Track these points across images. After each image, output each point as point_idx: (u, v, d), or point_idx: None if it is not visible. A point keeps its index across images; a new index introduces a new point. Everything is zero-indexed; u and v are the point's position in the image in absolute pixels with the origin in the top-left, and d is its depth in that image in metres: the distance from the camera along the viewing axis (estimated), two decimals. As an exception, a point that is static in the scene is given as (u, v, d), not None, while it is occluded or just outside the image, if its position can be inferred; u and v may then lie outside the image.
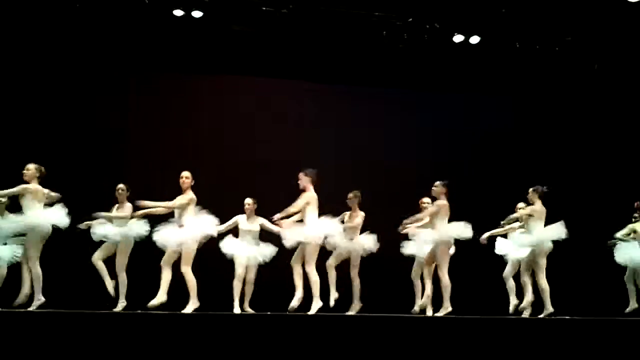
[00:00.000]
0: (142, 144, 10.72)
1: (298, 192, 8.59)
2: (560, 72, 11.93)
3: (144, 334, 7.15)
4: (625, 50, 11.64)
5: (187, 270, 8.22)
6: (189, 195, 8.35)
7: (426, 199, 9.07)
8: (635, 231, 9.14)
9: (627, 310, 9.25)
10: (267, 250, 8.78)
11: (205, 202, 8.51)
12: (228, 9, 10.53)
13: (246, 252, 8.72)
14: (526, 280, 8.84)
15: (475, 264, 10.00)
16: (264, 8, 10.55)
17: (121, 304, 8.36)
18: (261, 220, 8.82)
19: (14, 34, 10.22)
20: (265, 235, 8.92)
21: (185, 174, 8.43)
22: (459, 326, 7.96)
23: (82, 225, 8.51)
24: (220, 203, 8.93)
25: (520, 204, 9.24)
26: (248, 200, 8.84)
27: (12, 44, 10.23)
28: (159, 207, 8.42)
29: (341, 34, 11.06)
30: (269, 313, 8.17)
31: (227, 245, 8.75)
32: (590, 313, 9.26)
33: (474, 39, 11.19)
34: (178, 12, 10.37)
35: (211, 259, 8.75)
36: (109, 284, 8.45)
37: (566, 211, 9.20)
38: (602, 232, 9.65)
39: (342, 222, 8.83)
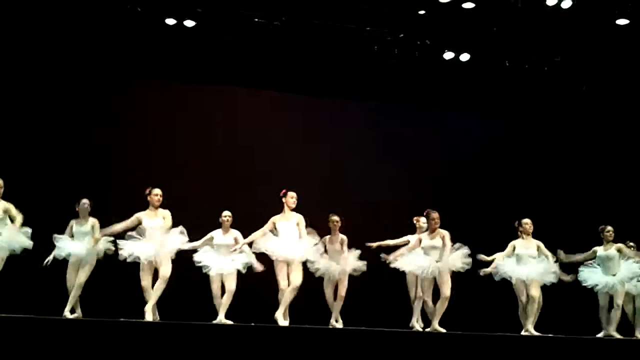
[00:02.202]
0: (131, 150, 10.69)
1: (281, 204, 8.52)
2: (549, 92, 12.02)
3: (123, 344, 7.10)
4: (614, 72, 11.75)
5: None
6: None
7: None
8: (595, 252, 9.18)
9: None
10: (240, 262, 8.61)
11: (189, 212, 8.55)
12: (220, 20, 10.55)
13: (218, 265, 8.60)
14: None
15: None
16: (257, 20, 10.59)
17: None
18: (236, 234, 8.71)
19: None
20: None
21: (159, 191, 8.29)
22: (454, 343, 7.97)
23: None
24: (204, 213, 8.93)
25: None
26: (226, 213, 8.78)
27: None
28: None
29: (333, 47, 11.10)
30: (253, 324, 8.14)
31: (200, 257, 8.63)
32: (573, 332, 9.29)
33: (464, 57, 11.28)
34: (170, 21, 10.38)
35: (188, 270, 8.66)
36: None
37: (549, 229, 9.26)
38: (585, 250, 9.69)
39: (324, 246, 8.75)
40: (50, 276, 8.52)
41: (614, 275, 9.04)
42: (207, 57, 10.95)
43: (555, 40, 11.20)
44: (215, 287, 8.66)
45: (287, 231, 8.28)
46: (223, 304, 8.59)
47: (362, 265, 8.92)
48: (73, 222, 8.51)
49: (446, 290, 8.50)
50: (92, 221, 8.46)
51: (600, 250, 9.14)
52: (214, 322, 8.47)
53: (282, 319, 8.15)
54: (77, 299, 8.37)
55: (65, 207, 8.61)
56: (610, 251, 9.09)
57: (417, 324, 8.76)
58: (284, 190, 8.43)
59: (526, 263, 8.82)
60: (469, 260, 8.66)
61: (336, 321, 8.92)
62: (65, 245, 8.35)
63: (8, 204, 8.01)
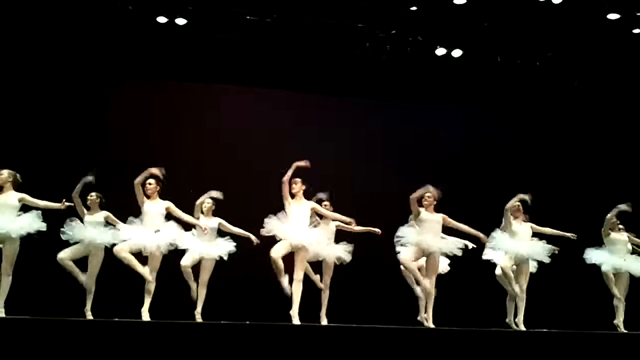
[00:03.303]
0: (122, 150, 10.65)
1: (276, 199, 8.54)
2: (541, 87, 12.05)
3: (108, 342, 7.08)
4: (606, 66, 11.79)
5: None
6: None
7: None
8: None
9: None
10: (224, 248, 8.68)
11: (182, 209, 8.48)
12: (212, 17, 10.53)
13: (203, 249, 8.61)
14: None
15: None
16: (248, 17, 10.57)
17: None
18: (219, 220, 8.78)
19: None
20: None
21: (153, 180, 8.36)
22: (450, 338, 7.99)
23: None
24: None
25: None
26: (209, 200, 8.80)
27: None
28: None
29: (325, 44, 11.10)
30: (247, 322, 8.14)
31: (185, 242, 8.59)
32: (571, 326, 9.32)
33: (456, 53, 11.29)
34: (162, 19, 10.34)
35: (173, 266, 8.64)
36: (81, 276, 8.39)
37: (543, 222, 9.28)
38: (578, 244, 9.70)
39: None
40: (49, 277, 8.52)
41: (624, 260, 9.15)
42: (198, 55, 10.93)
43: (547, 35, 11.23)
44: (187, 261, 8.59)
45: (299, 215, 8.28)
46: (199, 299, 8.63)
47: (345, 255, 8.84)
48: (85, 215, 8.50)
49: (433, 282, 8.49)
50: (105, 213, 8.49)
51: (611, 234, 9.25)
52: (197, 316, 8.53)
53: (297, 317, 8.15)
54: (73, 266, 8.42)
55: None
56: (620, 236, 9.23)
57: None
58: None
59: (520, 240, 8.84)
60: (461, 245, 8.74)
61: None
62: (80, 229, 8.34)
63: (22, 194, 8.06)
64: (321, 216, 8.77)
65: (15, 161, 8.65)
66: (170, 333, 7.35)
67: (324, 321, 8.79)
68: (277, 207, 8.41)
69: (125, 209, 8.38)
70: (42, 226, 8.02)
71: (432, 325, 8.47)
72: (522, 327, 8.77)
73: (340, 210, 8.93)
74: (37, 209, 8.08)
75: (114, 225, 8.38)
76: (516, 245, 8.81)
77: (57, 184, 9.73)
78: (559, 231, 9.05)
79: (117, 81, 10.82)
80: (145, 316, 8.08)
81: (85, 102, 10.65)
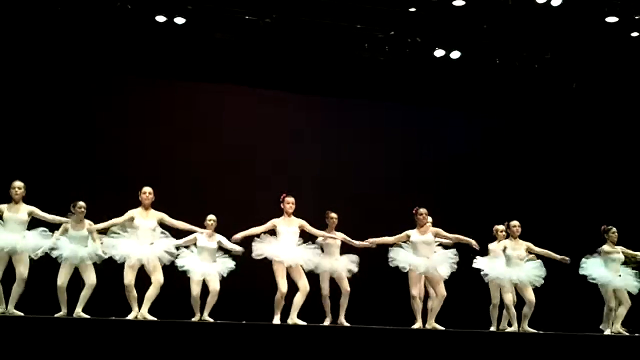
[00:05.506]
0: (119, 149, 10.64)
1: (273, 203, 8.56)
2: (539, 89, 12.06)
3: (107, 342, 7.08)
4: (604, 69, 11.80)
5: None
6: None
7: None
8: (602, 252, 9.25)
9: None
10: (223, 266, 8.72)
11: (179, 214, 8.48)
12: (211, 17, 10.54)
13: (201, 269, 8.64)
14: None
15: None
16: (247, 17, 10.58)
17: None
18: (219, 237, 8.76)
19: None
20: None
21: (148, 189, 8.31)
22: (448, 340, 8.00)
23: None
24: (194, 214, 8.86)
25: (500, 227, 9.32)
26: (211, 217, 8.78)
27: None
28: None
29: (323, 45, 11.11)
30: (244, 322, 8.14)
31: (183, 260, 8.64)
32: (564, 328, 9.34)
33: (455, 54, 11.30)
34: (160, 18, 10.35)
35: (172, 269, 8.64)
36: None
37: (541, 227, 9.29)
38: (575, 249, 9.70)
39: (320, 246, 8.71)
40: (41, 275, 8.49)
41: (619, 275, 9.12)
42: (197, 54, 10.93)
43: (545, 38, 11.25)
44: (196, 291, 8.67)
45: (288, 235, 8.32)
46: (208, 303, 8.65)
47: (353, 266, 8.87)
48: (68, 226, 8.34)
49: (441, 289, 8.55)
50: (88, 226, 8.33)
51: (606, 248, 9.19)
52: (193, 319, 8.51)
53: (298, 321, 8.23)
54: (65, 298, 8.30)
55: (59, 206, 8.57)
56: (617, 255, 9.17)
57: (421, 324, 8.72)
58: (283, 195, 8.47)
59: (515, 265, 8.85)
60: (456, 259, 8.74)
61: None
62: (66, 247, 8.25)
63: (32, 207, 8.13)
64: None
65: (13, 161, 8.69)
66: (166, 332, 7.35)
67: (345, 324, 8.83)
68: (277, 209, 8.44)
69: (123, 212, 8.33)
70: (50, 243, 8.13)
71: (435, 327, 8.53)
72: (529, 329, 8.79)
73: (340, 212, 8.94)
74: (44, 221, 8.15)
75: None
76: (509, 272, 8.83)
77: (55, 184, 9.79)
78: (553, 253, 8.98)
79: (116, 79, 10.80)
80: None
81: (83, 100, 10.63)
